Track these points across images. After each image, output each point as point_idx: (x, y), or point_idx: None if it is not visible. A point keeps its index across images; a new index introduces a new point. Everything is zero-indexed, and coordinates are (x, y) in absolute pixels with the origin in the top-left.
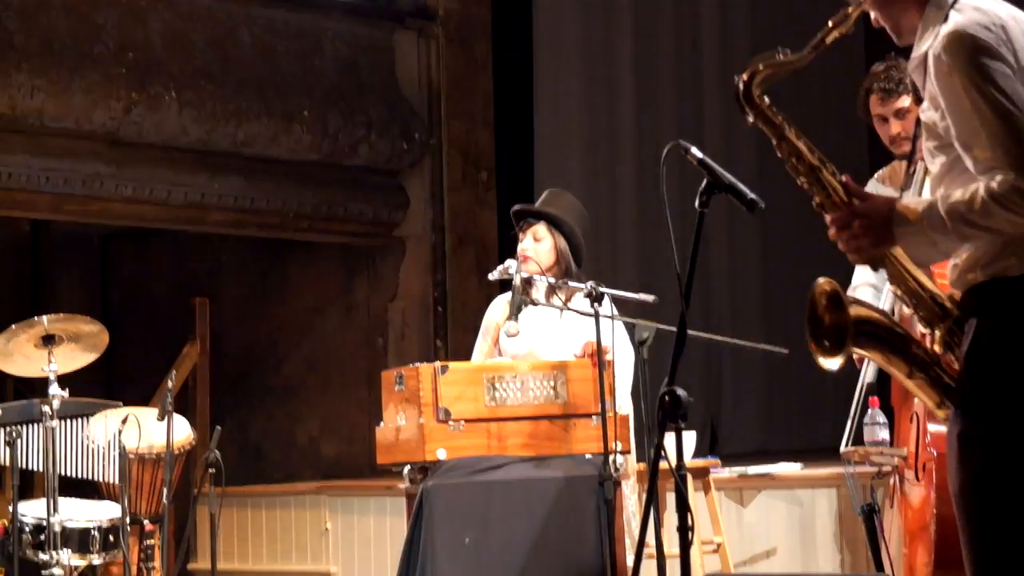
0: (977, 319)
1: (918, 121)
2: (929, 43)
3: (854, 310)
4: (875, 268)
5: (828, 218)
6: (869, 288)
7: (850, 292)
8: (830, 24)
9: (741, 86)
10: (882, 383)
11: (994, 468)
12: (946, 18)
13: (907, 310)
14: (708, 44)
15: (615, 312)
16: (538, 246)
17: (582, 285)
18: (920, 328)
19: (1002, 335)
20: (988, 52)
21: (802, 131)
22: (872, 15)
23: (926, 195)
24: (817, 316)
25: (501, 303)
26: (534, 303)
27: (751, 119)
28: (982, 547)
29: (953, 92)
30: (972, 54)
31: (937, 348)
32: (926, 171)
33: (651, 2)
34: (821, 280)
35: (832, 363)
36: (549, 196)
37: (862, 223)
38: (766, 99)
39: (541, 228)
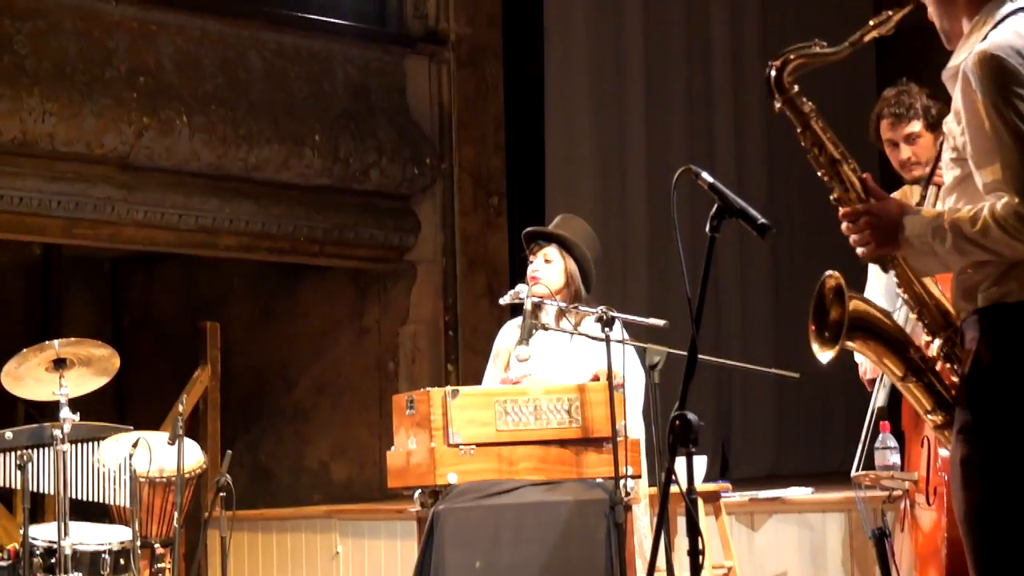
0: (977, 345)
1: (941, 144)
2: (964, 56)
3: (853, 304)
4: (884, 269)
5: (841, 211)
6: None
7: None
8: (871, 23)
9: (773, 72)
10: (893, 407)
11: (997, 493)
12: (987, 36)
13: (912, 315)
14: (719, 66)
15: (625, 336)
16: (548, 268)
17: (593, 309)
18: (924, 337)
19: (1002, 362)
20: (1014, 77)
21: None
22: (929, 10)
23: None
24: (824, 308)
25: (511, 328)
26: (544, 328)
27: (779, 105)
28: (989, 572)
29: (974, 110)
30: (997, 77)
31: (935, 354)
32: (938, 195)
33: (662, 26)
34: (828, 273)
35: (824, 355)
36: (562, 221)
37: (870, 221)
38: (796, 87)
39: (552, 250)
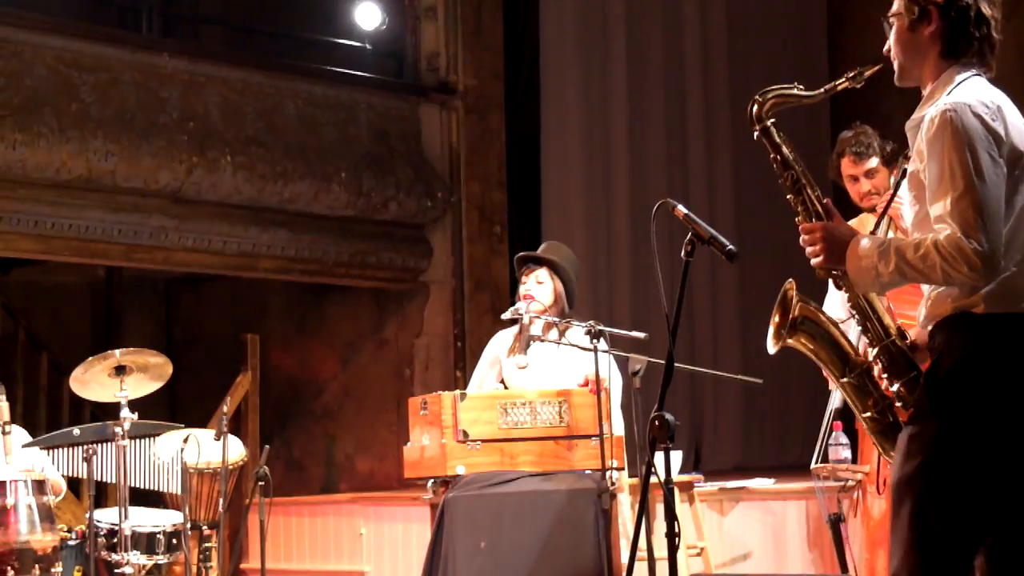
0: (943, 345)
1: (897, 183)
2: (928, 111)
3: (802, 308)
4: (837, 286)
5: (801, 226)
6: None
7: None
8: (845, 76)
9: (755, 107)
10: (848, 408)
11: (936, 460)
12: (950, 92)
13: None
14: (693, 114)
15: (607, 346)
16: (540, 288)
17: (583, 324)
18: (870, 349)
19: (964, 361)
20: (973, 130)
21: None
22: (888, 44)
23: None
24: (786, 310)
25: (506, 336)
26: (541, 340)
27: (756, 134)
28: (909, 536)
29: (937, 151)
30: (959, 129)
31: (871, 359)
32: (889, 223)
33: (643, 82)
34: (789, 281)
35: (772, 347)
36: (549, 246)
37: (823, 236)
38: (772, 119)
39: (543, 272)
